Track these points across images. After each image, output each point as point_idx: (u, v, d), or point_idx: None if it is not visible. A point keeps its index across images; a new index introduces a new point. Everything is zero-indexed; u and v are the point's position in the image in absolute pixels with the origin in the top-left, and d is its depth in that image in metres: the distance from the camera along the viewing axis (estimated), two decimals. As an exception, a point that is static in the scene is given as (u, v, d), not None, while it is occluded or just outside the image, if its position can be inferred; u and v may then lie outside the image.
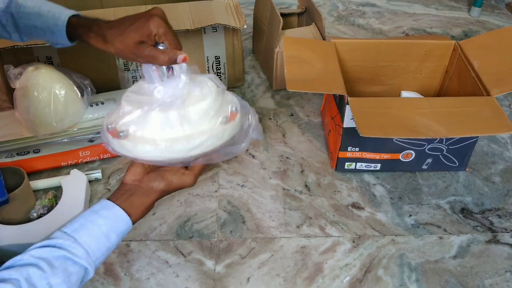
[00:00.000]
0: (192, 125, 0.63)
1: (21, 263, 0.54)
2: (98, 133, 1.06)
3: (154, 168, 0.67)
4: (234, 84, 1.32)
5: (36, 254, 0.55)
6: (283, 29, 1.22)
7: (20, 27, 0.75)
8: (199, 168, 0.67)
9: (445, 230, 0.95)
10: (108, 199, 0.63)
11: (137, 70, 1.20)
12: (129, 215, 0.62)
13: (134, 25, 0.65)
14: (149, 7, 1.21)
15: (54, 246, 0.56)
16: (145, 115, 0.62)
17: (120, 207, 0.62)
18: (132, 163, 0.67)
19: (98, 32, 0.68)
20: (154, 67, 0.65)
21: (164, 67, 0.65)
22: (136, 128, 0.63)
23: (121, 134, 0.63)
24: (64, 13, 0.73)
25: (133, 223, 0.63)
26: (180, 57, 0.64)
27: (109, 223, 0.60)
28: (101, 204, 0.62)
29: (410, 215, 0.98)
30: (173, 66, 0.65)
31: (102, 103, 1.08)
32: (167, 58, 0.64)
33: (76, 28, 0.72)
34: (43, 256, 0.54)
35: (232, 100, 0.69)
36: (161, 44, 0.66)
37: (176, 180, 0.65)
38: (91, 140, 1.06)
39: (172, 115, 0.62)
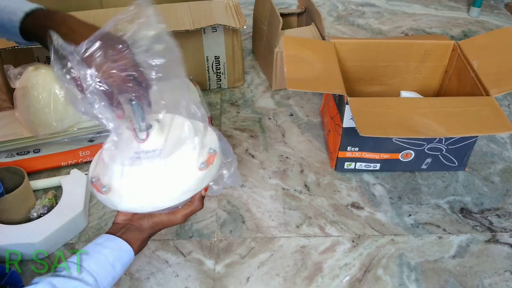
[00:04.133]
0: (171, 176, 0.63)
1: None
2: (98, 133, 1.06)
3: None
4: (233, 84, 1.32)
5: (53, 281, 0.56)
6: (282, 29, 1.22)
7: None
8: (189, 209, 0.67)
9: (444, 229, 0.95)
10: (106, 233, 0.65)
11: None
12: None
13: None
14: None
15: (64, 277, 0.57)
16: (125, 170, 0.62)
17: (121, 238, 0.64)
18: None
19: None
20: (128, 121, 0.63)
21: (140, 119, 0.62)
22: (117, 183, 0.63)
23: (103, 189, 0.63)
24: (20, 9, 0.62)
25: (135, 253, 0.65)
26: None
27: (114, 253, 0.62)
28: (103, 237, 0.64)
29: (410, 215, 0.98)
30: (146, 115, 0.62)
31: (102, 103, 1.08)
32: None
33: (30, 31, 0.63)
34: (57, 286, 0.55)
35: (210, 140, 0.68)
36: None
37: (164, 218, 0.67)
38: (91, 140, 1.06)
39: (151, 168, 0.62)
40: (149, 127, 0.63)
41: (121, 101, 0.59)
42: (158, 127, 0.64)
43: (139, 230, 0.66)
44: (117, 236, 0.64)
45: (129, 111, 0.61)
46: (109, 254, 0.61)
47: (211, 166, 0.65)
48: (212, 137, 0.68)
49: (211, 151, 0.66)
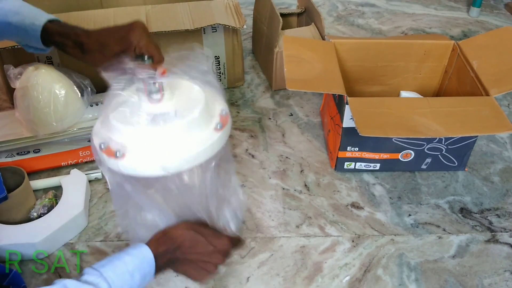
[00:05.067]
0: (188, 137, 0.62)
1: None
2: (98, 133, 1.06)
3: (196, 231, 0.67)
4: (233, 84, 1.32)
5: (67, 284, 0.56)
6: (282, 29, 1.22)
7: None
8: (226, 250, 0.68)
9: (444, 229, 0.95)
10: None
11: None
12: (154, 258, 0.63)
13: (114, 36, 0.61)
14: (149, 7, 1.22)
15: (80, 281, 0.57)
16: (138, 131, 0.60)
17: (149, 248, 0.63)
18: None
19: (76, 41, 0.64)
20: (141, 81, 0.63)
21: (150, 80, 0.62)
22: (134, 146, 0.61)
23: (117, 154, 0.60)
24: (44, 16, 0.70)
25: (156, 270, 0.64)
26: (160, 70, 0.60)
27: (135, 261, 0.61)
28: (134, 246, 0.63)
29: (409, 215, 0.98)
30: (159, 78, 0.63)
31: (102, 103, 1.08)
32: (145, 71, 0.61)
33: (53, 34, 0.68)
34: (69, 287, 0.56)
35: (220, 103, 0.68)
36: (146, 58, 0.63)
37: (194, 273, 0.67)
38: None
39: (167, 129, 0.61)
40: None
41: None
42: (170, 89, 0.64)
43: (171, 261, 0.65)
44: (148, 245, 0.63)
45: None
46: (130, 262, 0.60)
47: (226, 127, 0.65)
48: (220, 101, 0.69)
49: (223, 113, 0.66)
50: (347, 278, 0.87)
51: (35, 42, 0.70)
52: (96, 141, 0.64)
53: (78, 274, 0.60)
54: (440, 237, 0.94)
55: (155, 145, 0.61)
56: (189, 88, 0.66)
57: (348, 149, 1.02)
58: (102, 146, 0.63)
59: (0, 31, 0.72)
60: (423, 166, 1.06)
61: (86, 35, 0.63)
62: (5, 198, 0.85)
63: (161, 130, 0.61)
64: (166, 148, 0.61)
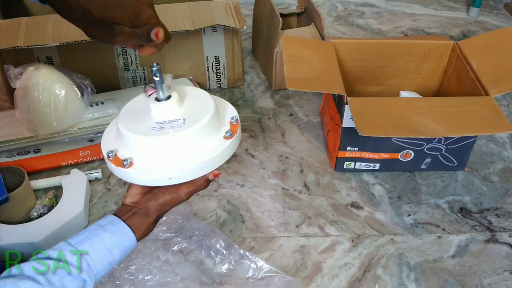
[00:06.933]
0: (196, 146, 0.61)
1: (21, 273, 0.55)
2: (98, 133, 1.06)
3: (151, 189, 0.67)
4: (233, 84, 1.32)
5: (36, 266, 0.56)
6: (282, 29, 1.22)
7: None
8: (192, 187, 0.67)
9: (444, 229, 0.96)
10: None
11: (137, 70, 1.21)
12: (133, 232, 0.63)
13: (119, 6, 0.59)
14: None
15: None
16: (148, 140, 0.60)
17: (126, 223, 0.63)
18: (130, 185, 0.67)
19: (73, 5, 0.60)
20: (150, 87, 0.63)
21: (163, 86, 0.62)
22: (141, 155, 0.61)
23: (124, 163, 0.60)
24: None
25: (141, 236, 0.65)
26: (154, 31, 0.58)
27: (113, 238, 0.61)
28: (107, 219, 0.63)
29: (409, 215, 0.98)
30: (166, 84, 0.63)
31: (102, 103, 1.08)
32: (140, 32, 0.59)
33: None
34: (41, 270, 0.56)
35: (230, 111, 0.68)
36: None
37: (168, 198, 0.66)
38: (91, 140, 1.06)
39: (175, 138, 0.60)
40: (168, 96, 0.62)
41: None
42: (178, 96, 0.63)
43: (145, 215, 0.65)
44: (122, 219, 0.63)
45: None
46: (108, 239, 0.61)
47: (236, 135, 0.64)
48: (230, 108, 0.68)
49: (233, 120, 0.65)
50: (347, 278, 0.86)
51: None
52: (104, 149, 0.65)
53: (50, 249, 0.59)
54: (439, 237, 0.94)
55: (163, 154, 0.60)
56: (199, 95, 0.66)
57: (347, 149, 1.02)
58: (110, 155, 0.63)
59: None
60: (423, 166, 1.06)
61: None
62: (6, 200, 0.85)
63: (169, 139, 0.60)
64: (173, 158, 0.60)
